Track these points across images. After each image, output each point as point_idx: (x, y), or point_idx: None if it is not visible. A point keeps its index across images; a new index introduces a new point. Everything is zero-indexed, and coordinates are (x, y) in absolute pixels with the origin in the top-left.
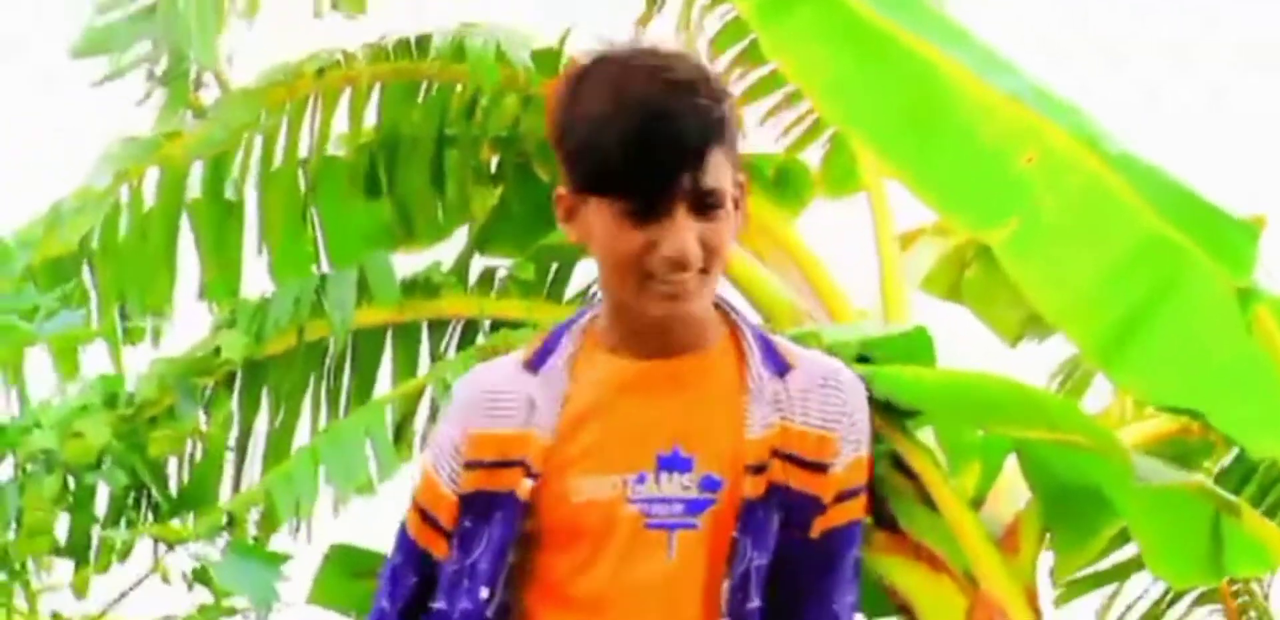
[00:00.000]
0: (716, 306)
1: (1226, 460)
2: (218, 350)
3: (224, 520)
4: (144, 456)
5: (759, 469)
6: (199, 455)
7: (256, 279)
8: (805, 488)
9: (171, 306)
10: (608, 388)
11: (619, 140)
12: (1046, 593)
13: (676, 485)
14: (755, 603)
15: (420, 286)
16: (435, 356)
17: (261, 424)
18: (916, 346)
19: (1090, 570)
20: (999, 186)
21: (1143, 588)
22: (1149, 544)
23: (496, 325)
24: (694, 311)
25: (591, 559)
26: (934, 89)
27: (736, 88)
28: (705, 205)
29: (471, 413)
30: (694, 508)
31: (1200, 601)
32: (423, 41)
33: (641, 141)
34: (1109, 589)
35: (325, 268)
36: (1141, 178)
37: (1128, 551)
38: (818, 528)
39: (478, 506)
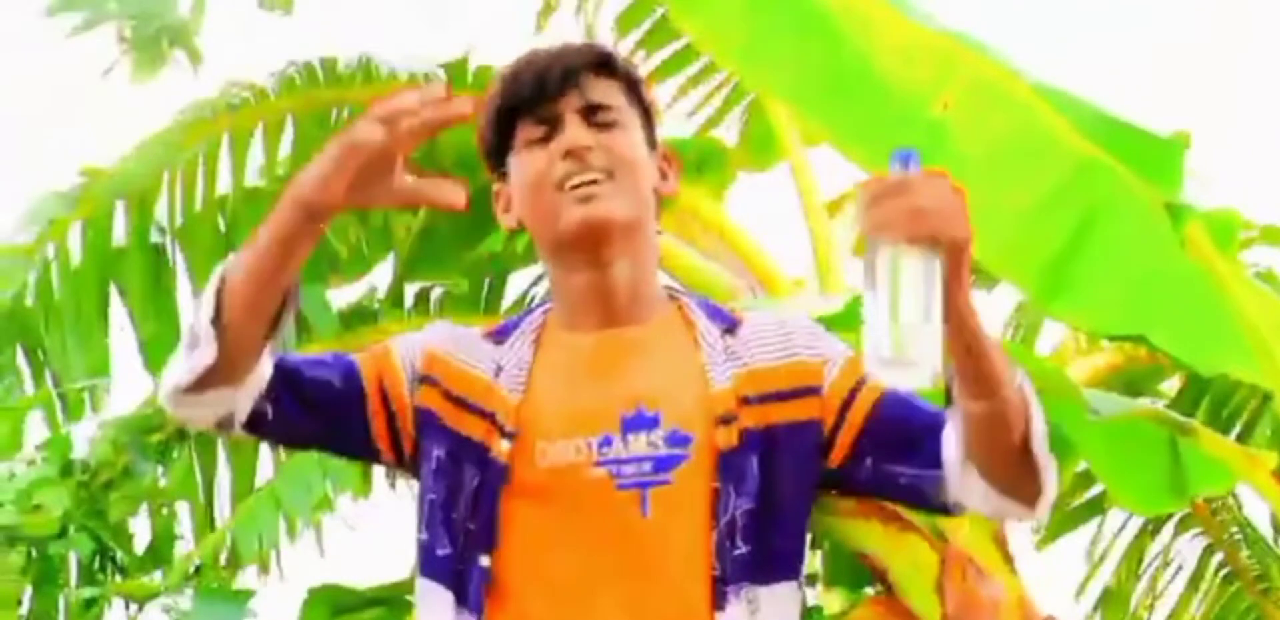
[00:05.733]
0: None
1: (1179, 382)
2: None
3: (192, 569)
4: (106, 521)
5: (728, 420)
6: (165, 511)
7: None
8: (795, 417)
9: (110, 366)
10: (567, 360)
11: (515, 79)
12: (1027, 537)
13: (643, 444)
14: (742, 549)
15: (357, 315)
16: None
17: (223, 471)
18: (858, 316)
19: (1066, 509)
20: (920, 134)
21: (1121, 522)
22: (1111, 476)
23: None
24: (614, 218)
25: (563, 521)
26: (849, 39)
27: (643, 69)
28: (598, 119)
29: (441, 340)
30: (664, 464)
31: (1183, 526)
32: (329, 66)
33: (533, 71)
34: (1092, 529)
35: None
36: (1064, 105)
37: (1100, 487)
38: (856, 415)
39: (445, 441)
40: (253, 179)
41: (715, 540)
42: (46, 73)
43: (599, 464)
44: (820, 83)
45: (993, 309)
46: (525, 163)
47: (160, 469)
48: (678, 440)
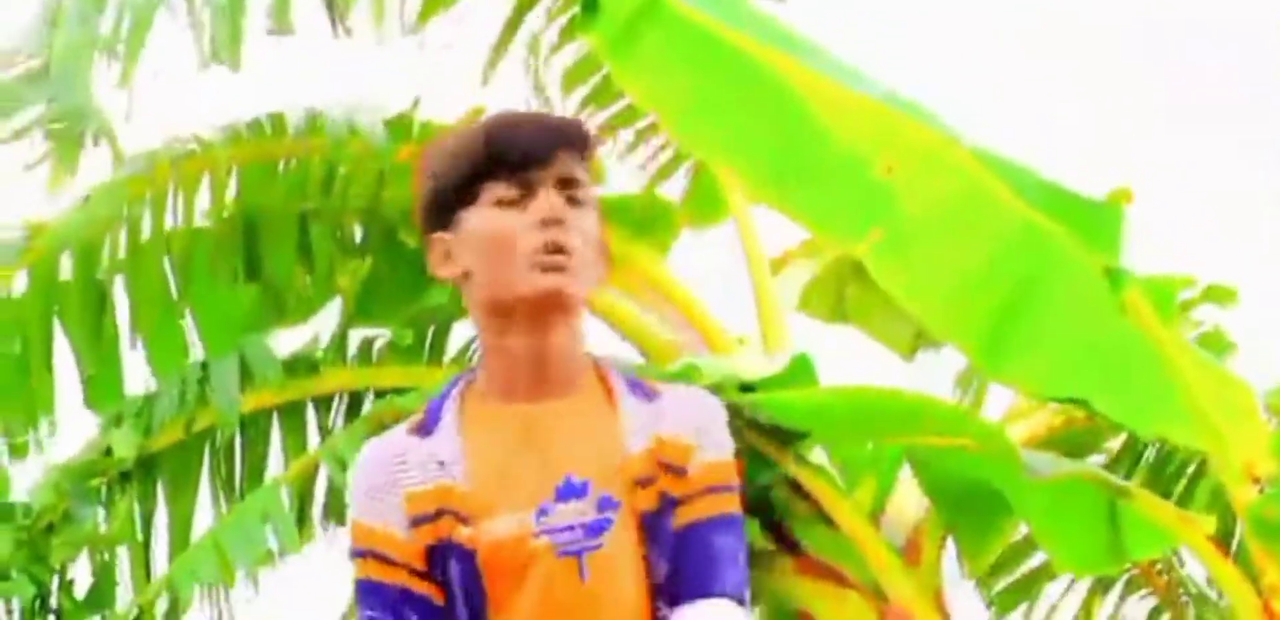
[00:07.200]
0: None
1: (1122, 441)
2: (108, 450)
3: (132, 617)
4: (47, 565)
5: (647, 482)
6: (105, 556)
7: (133, 372)
8: (675, 491)
9: (54, 412)
10: (498, 435)
11: (496, 140)
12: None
13: (574, 512)
14: (664, 612)
15: (301, 365)
16: (324, 432)
17: (161, 517)
18: (799, 374)
19: (1015, 576)
20: (861, 196)
21: (1068, 582)
22: (1049, 538)
23: (381, 394)
24: (574, 293)
25: (515, 593)
26: (789, 102)
27: (590, 125)
28: (571, 194)
29: (397, 476)
30: (594, 530)
31: (1130, 587)
32: (276, 120)
33: (517, 136)
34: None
35: (200, 355)
36: (1003, 170)
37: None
38: (681, 519)
39: (439, 560)
40: (199, 221)
41: (653, 607)
42: None
43: (539, 534)
44: (763, 146)
45: (942, 369)
46: (493, 220)
47: (102, 514)
48: (606, 505)
